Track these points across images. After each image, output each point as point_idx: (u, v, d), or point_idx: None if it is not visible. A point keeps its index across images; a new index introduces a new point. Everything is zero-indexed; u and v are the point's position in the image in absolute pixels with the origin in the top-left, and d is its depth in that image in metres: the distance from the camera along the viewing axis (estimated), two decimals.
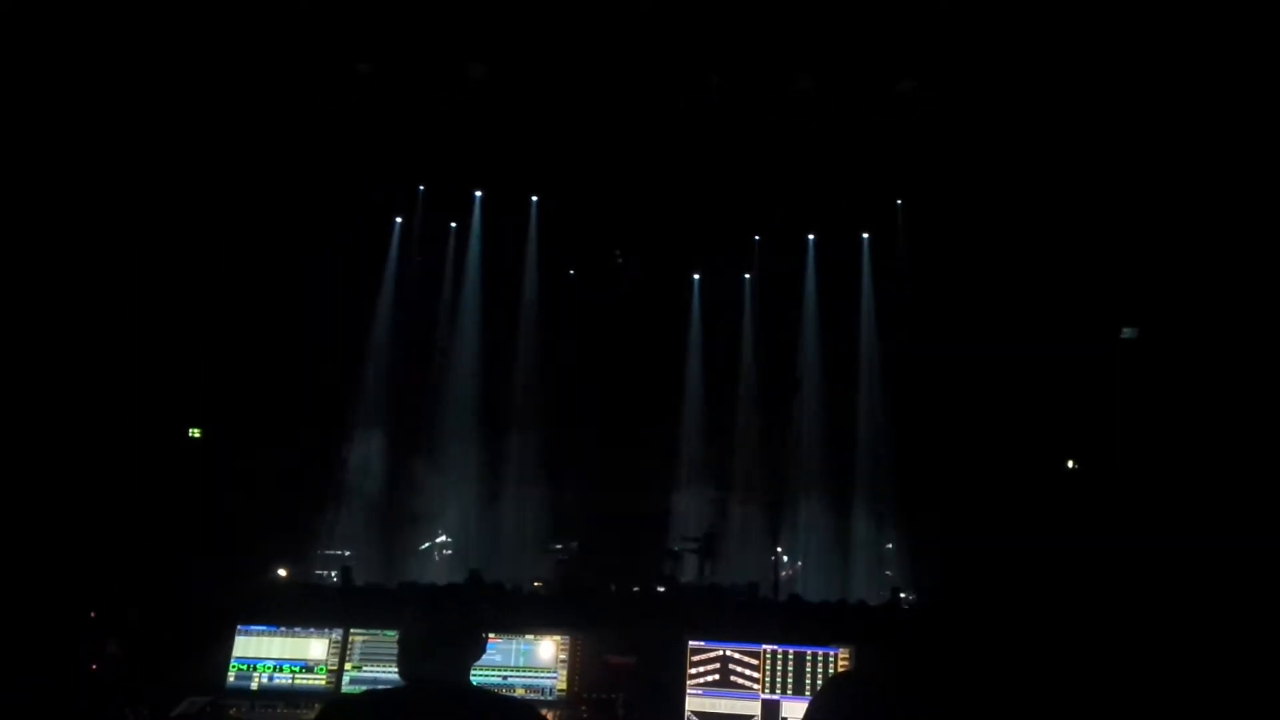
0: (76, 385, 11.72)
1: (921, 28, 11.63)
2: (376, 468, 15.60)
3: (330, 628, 5.08)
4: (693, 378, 16.98)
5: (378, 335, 16.15)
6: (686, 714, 4.86)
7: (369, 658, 5.05)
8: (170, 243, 12.90)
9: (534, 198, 16.32)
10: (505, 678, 4.98)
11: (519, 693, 4.96)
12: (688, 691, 4.89)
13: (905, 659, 2.85)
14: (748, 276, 17.07)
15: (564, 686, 5.01)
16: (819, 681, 4.79)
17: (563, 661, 5.04)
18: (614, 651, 5.22)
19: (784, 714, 4.81)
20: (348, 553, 14.37)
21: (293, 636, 5.07)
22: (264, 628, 5.08)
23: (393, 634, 4.48)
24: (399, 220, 16.45)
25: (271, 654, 5.04)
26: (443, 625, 3.16)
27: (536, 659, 5.03)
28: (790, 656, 4.88)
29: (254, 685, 4.99)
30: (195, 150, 12.66)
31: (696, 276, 17.04)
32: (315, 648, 5.07)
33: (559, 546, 15.66)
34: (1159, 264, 12.52)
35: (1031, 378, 13.60)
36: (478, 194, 16.38)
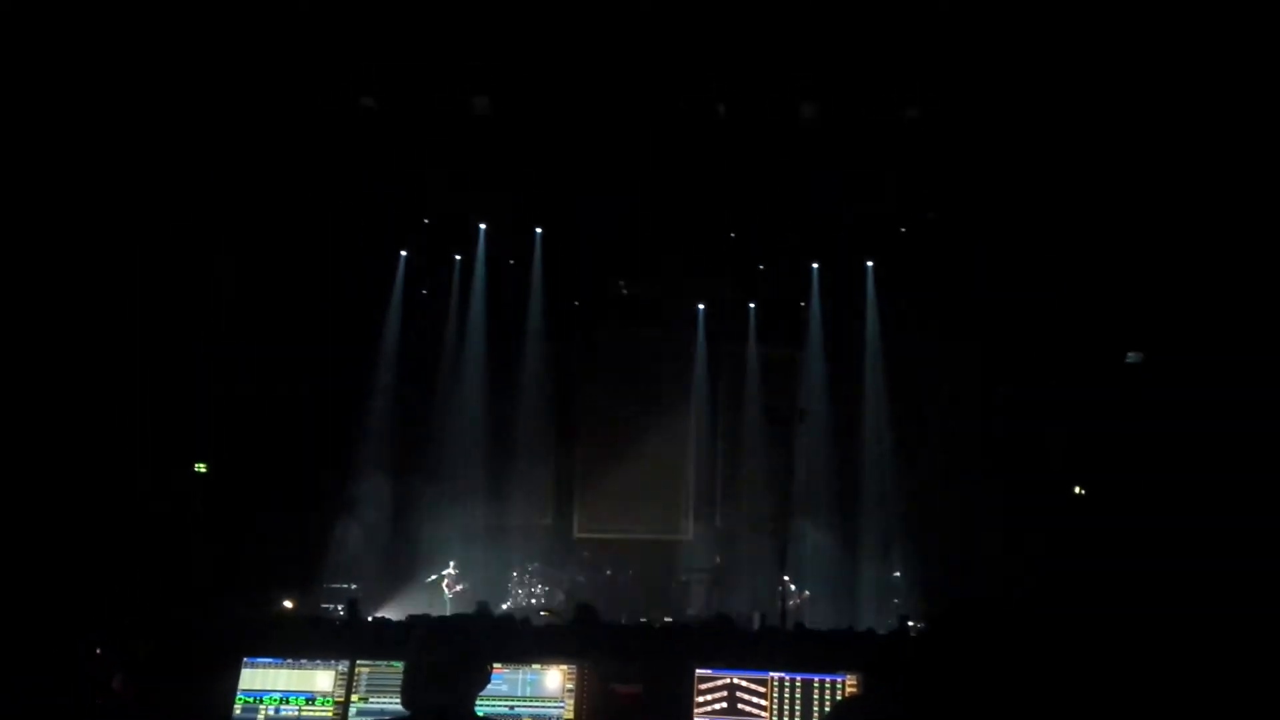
0: (86, 418, 11.76)
1: (925, 53, 11.69)
2: (383, 501, 15.62)
3: (337, 659, 5.07)
4: (698, 406, 16.97)
5: (384, 367, 16.16)
6: None
7: (376, 689, 5.03)
8: (176, 273, 12.98)
9: (538, 229, 16.35)
10: (512, 708, 4.96)
11: None
12: None
13: (911, 685, 2.85)
14: (752, 306, 17.07)
15: (571, 716, 4.98)
16: (826, 709, 4.77)
17: (569, 691, 5.02)
18: (621, 681, 5.20)
19: None
20: (353, 585, 14.36)
21: (299, 668, 5.06)
22: (270, 660, 5.07)
23: (399, 665, 4.47)
24: (404, 254, 16.46)
25: (278, 686, 5.03)
26: (447, 655, 3.16)
27: (543, 689, 5.01)
28: (798, 684, 4.86)
29: (260, 717, 4.98)
30: (196, 184, 12.75)
31: (701, 306, 17.03)
32: (322, 680, 5.05)
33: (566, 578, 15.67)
34: (1164, 288, 12.51)
35: (1034, 404, 13.60)
36: (482, 226, 16.35)
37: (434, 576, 15.19)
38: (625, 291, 16.56)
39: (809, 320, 16.71)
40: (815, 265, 16.53)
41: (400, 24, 11.55)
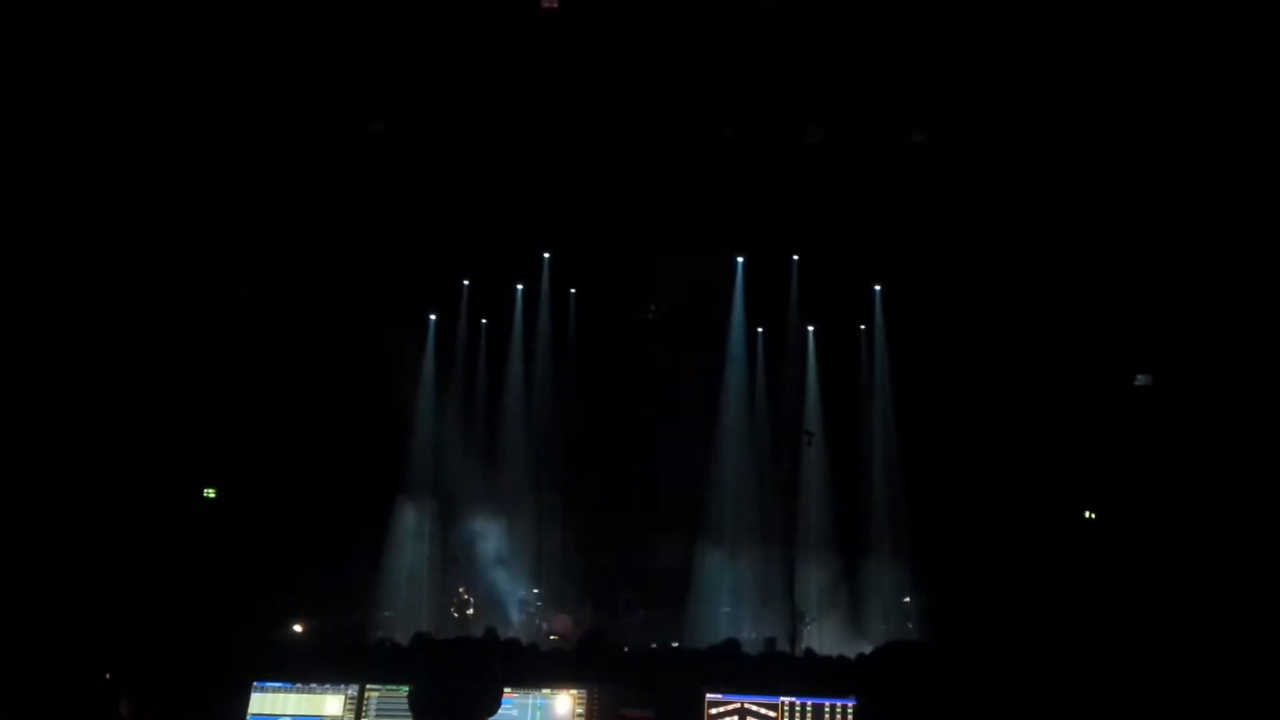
0: (96, 440, 11.78)
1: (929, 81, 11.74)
2: (393, 525, 15.62)
3: (346, 684, 5.06)
4: (709, 430, 16.88)
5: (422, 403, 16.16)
6: None
7: (385, 714, 5.01)
8: (185, 293, 13.02)
9: (546, 254, 16.43)
10: None
11: None
12: None
13: (921, 706, 2.85)
14: (760, 330, 17.04)
15: None
16: None
17: (580, 716, 4.99)
18: (631, 706, 5.17)
19: None
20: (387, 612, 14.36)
21: (308, 693, 5.04)
22: (280, 684, 5.06)
23: (408, 689, 4.45)
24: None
25: (287, 710, 5.01)
26: (455, 681, 3.15)
27: (553, 714, 4.99)
28: (809, 708, 4.84)
29: None
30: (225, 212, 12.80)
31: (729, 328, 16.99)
32: (331, 704, 5.03)
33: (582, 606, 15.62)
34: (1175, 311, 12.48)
35: (1047, 426, 13.56)
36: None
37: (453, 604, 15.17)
38: (653, 316, 16.58)
39: (807, 342, 16.76)
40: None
41: (404, 46, 11.63)
